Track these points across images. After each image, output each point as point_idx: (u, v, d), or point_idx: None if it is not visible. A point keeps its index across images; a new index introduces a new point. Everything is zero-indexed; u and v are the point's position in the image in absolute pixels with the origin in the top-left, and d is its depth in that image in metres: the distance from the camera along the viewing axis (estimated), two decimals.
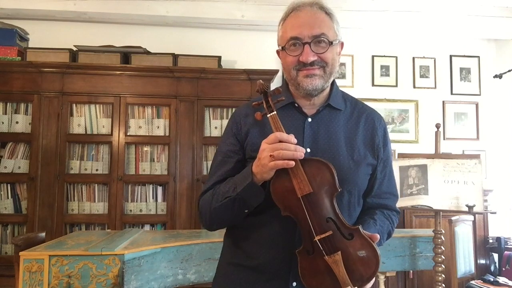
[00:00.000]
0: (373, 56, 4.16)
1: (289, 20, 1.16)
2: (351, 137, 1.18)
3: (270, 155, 1.01)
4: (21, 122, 3.29)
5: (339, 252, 1.01)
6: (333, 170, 1.05)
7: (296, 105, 1.19)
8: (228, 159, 1.20)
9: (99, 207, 3.30)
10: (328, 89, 1.21)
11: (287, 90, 1.22)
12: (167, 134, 3.39)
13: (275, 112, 1.09)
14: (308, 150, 1.13)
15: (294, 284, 1.10)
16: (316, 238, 1.01)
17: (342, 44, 1.22)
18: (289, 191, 1.03)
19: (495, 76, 4.06)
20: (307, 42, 1.11)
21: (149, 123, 3.41)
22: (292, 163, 1.01)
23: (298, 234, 1.09)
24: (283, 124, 1.09)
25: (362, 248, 1.03)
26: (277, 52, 1.22)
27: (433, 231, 2.68)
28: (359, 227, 1.04)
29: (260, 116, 1.10)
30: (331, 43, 1.14)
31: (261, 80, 1.14)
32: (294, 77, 1.15)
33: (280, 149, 1.01)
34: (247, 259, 1.15)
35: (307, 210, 1.02)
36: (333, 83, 1.23)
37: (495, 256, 3.80)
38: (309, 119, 1.18)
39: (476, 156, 2.68)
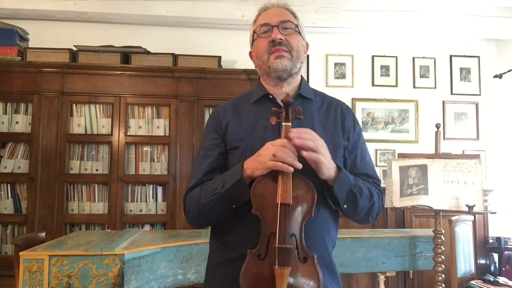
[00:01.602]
0: (373, 56, 4.16)
1: (259, 17, 1.31)
2: (323, 122, 1.27)
3: (273, 155, 1.05)
4: (21, 122, 3.29)
5: (290, 268, 1.03)
6: (315, 197, 1.10)
7: (270, 96, 1.27)
8: (210, 153, 1.26)
9: (99, 207, 3.30)
10: (298, 80, 1.31)
11: (260, 84, 1.32)
12: (167, 134, 3.39)
13: (290, 124, 1.14)
14: None
15: None
16: (277, 245, 1.03)
17: (307, 44, 1.33)
18: (271, 194, 1.07)
19: (495, 76, 4.06)
20: (276, 25, 1.24)
21: (149, 123, 3.42)
22: (291, 168, 1.06)
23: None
24: (259, 116, 1.23)
25: (309, 275, 1.05)
26: (250, 54, 1.34)
27: (433, 231, 2.68)
28: (315, 256, 1.07)
29: (275, 122, 1.15)
30: (297, 28, 1.27)
31: (289, 93, 1.18)
32: (266, 61, 1.24)
33: (283, 153, 1.06)
34: (235, 251, 1.16)
35: (280, 218, 1.05)
36: (302, 77, 1.33)
37: (495, 256, 3.80)
38: None
39: (476, 156, 2.67)
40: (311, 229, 1.15)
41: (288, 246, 1.04)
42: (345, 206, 1.19)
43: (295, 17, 1.30)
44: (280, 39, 1.22)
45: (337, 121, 1.28)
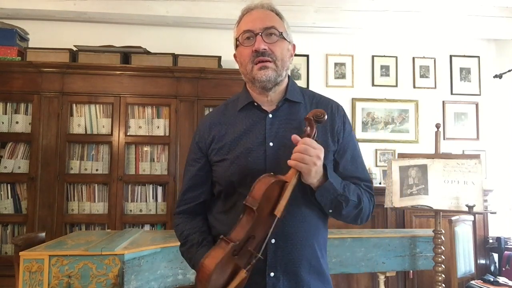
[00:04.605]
0: (373, 56, 4.16)
1: (242, 20, 1.25)
2: None
3: None
4: (21, 122, 3.29)
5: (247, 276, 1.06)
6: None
7: (255, 104, 1.25)
8: (190, 168, 1.31)
9: (99, 207, 3.30)
10: (284, 85, 1.27)
11: (246, 91, 1.29)
12: (167, 134, 3.39)
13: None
14: (271, 144, 1.19)
15: (272, 274, 1.13)
16: (259, 255, 1.05)
17: (294, 46, 1.29)
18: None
19: (495, 76, 4.06)
20: (259, 33, 1.19)
21: (149, 123, 3.41)
22: None
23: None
24: (244, 125, 1.23)
25: None
26: (234, 56, 1.29)
27: (433, 231, 2.68)
28: None
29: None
30: (281, 35, 1.21)
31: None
32: (250, 71, 1.21)
33: None
34: None
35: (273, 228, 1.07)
36: (289, 78, 1.30)
37: (495, 256, 3.80)
38: (270, 115, 1.23)
39: (476, 156, 2.67)
40: (297, 238, 1.14)
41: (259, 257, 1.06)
42: (330, 211, 1.17)
43: (280, 17, 1.25)
44: (264, 49, 1.17)
45: (325, 124, 1.22)
